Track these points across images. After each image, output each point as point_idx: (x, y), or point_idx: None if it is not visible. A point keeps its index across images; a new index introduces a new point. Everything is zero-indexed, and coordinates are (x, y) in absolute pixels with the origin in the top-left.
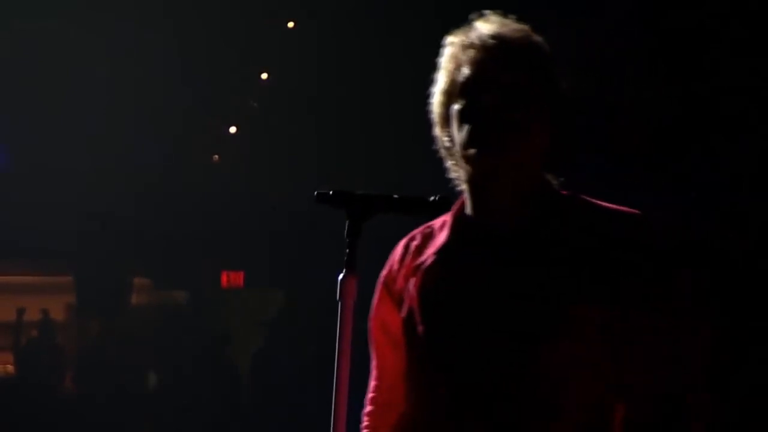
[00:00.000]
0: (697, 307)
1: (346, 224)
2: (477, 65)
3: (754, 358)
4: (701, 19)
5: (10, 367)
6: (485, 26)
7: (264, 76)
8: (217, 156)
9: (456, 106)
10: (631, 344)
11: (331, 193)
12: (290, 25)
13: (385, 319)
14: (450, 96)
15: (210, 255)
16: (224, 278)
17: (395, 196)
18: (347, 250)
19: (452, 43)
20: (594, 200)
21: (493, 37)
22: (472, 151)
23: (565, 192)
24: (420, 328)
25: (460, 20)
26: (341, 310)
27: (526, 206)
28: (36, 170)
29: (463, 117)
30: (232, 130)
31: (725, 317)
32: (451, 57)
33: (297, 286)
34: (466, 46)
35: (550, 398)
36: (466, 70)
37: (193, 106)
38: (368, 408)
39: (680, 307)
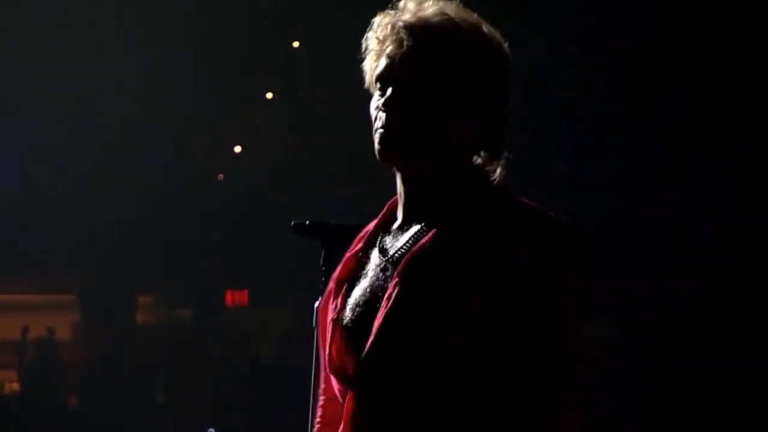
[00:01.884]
0: (566, 316)
1: (322, 253)
2: (378, 56)
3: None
4: (701, 19)
5: (15, 385)
6: (399, 13)
7: (269, 95)
8: (221, 175)
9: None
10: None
11: (307, 223)
12: (295, 44)
13: (322, 307)
14: (371, 89)
15: (215, 273)
16: (229, 297)
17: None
18: (323, 278)
19: (370, 28)
20: (511, 200)
21: (404, 26)
22: (377, 149)
23: (485, 189)
24: (323, 319)
25: None
26: (317, 336)
27: (429, 204)
28: (41, 189)
29: (372, 113)
30: (237, 149)
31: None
32: (367, 45)
33: (302, 305)
34: (374, 34)
35: (412, 402)
36: (373, 61)
37: (196, 124)
38: (320, 400)
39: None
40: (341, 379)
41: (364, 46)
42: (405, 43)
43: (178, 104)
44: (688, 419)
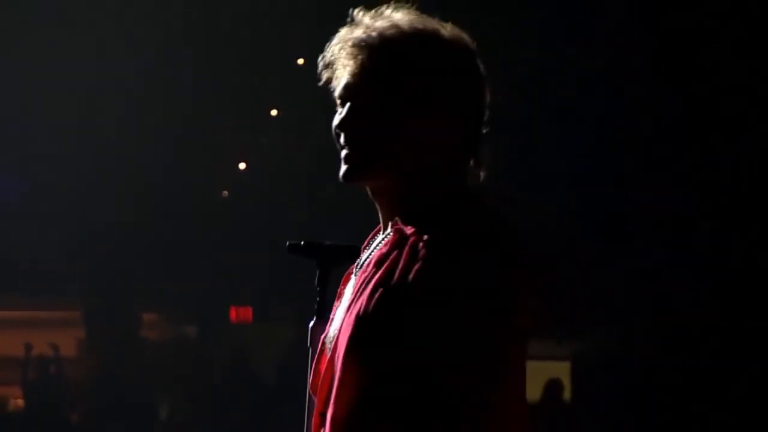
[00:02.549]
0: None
1: (317, 273)
2: (336, 74)
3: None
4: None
5: (20, 401)
6: (353, 28)
7: (274, 112)
8: (226, 192)
9: None
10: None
11: (302, 243)
12: (300, 61)
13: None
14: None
15: (219, 289)
16: (233, 313)
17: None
18: (318, 299)
19: (328, 45)
20: (452, 218)
21: (355, 43)
22: (340, 174)
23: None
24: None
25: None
26: (312, 356)
27: (393, 216)
28: (45, 204)
29: (333, 133)
30: (242, 166)
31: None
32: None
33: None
34: (330, 51)
35: None
36: (333, 80)
37: (203, 142)
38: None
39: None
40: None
41: (321, 64)
42: (356, 59)
43: (181, 120)
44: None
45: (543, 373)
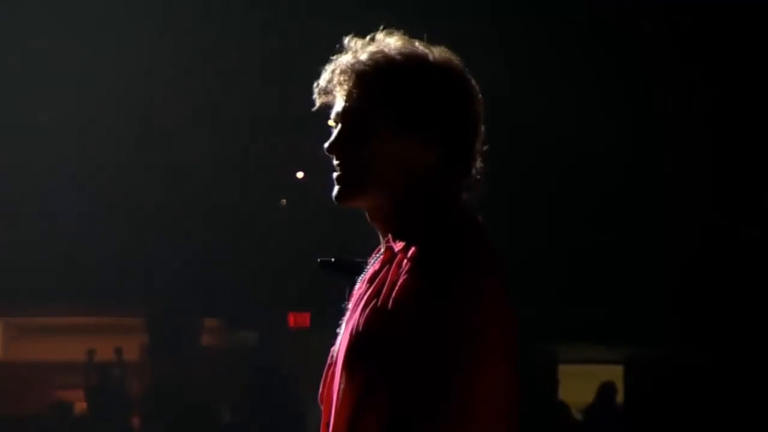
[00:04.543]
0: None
1: (347, 288)
2: (328, 99)
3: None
4: None
5: (84, 405)
6: (343, 55)
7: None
8: (284, 200)
9: None
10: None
11: (333, 260)
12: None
13: None
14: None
15: (278, 295)
16: (291, 319)
17: None
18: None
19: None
20: (435, 235)
21: (342, 70)
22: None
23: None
24: None
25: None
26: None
27: (386, 233)
28: (107, 213)
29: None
30: (300, 175)
31: None
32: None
33: None
34: (322, 78)
35: None
36: (326, 106)
37: (261, 150)
38: None
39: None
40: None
41: (315, 90)
42: (344, 85)
43: (243, 131)
44: None
45: (596, 376)
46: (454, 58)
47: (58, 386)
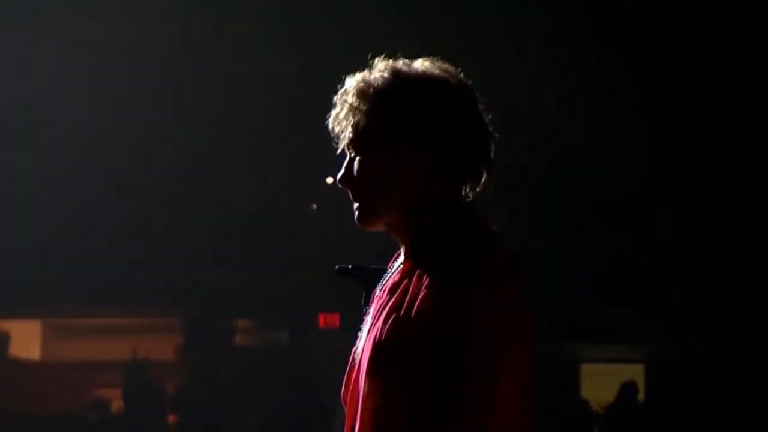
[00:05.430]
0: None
1: (363, 294)
2: (341, 123)
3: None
4: None
5: (121, 403)
6: (357, 75)
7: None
8: (314, 205)
9: None
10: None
11: (350, 267)
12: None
13: None
14: None
15: (308, 296)
16: (321, 319)
17: None
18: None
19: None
20: (443, 250)
21: (345, 90)
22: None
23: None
24: None
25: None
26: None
27: (405, 244)
28: (147, 219)
29: None
30: (329, 180)
31: None
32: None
33: None
34: (334, 102)
35: None
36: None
37: (290, 154)
38: None
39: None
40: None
41: (329, 120)
42: (352, 109)
43: (273, 136)
44: None
45: (618, 375)
46: (455, 74)
47: (96, 385)
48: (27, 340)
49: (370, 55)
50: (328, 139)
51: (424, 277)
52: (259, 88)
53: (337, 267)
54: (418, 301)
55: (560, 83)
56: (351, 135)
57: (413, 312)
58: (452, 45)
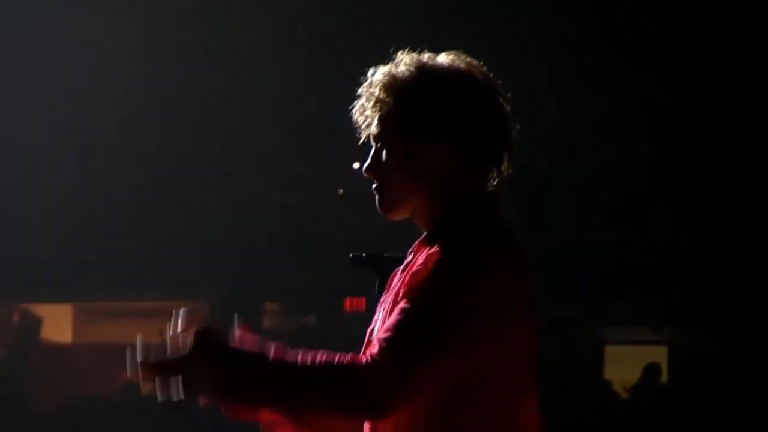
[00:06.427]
0: None
1: (377, 282)
2: (366, 118)
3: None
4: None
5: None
6: (381, 69)
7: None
8: (341, 190)
9: None
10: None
11: (364, 255)
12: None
13: None
14: None
15: (334, 281)
16: (347, 303)
17: None
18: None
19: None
20: (456, 237)
21: (371, 83)
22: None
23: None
24: None
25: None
26: None
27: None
28: (175, 204)
29: None
30: (355, 165)
31: None
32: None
33: None
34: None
35: None
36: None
37: (318, 141)
38: None
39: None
40: None
41: (354, 112)
42: (378, 102)
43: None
44: None
45: (641, 357)
46: (465, 60)
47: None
48: (61, 323)
49: (392, 50)
50: (352, 129)
51: (436, 258)
52: (296, 80)
53: (351, 255)
54: (430, 265)
55: (560, 83)
56: (377, 127)
57: (424, 270)
58: (452, 45)
